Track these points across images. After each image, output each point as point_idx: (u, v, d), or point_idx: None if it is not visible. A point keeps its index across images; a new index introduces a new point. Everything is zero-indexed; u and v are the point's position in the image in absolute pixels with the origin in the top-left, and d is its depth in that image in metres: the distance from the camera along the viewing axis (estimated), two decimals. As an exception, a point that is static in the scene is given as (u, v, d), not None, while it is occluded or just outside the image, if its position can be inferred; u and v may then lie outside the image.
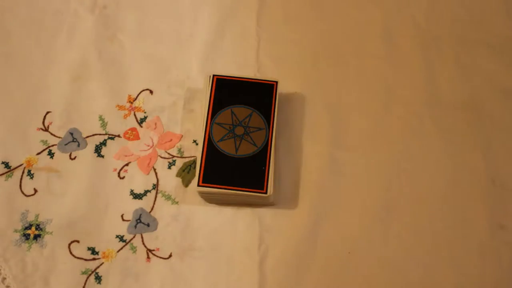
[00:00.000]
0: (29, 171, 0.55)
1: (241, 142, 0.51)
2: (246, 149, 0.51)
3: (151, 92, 0.58)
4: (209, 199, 0.53)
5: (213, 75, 0.54)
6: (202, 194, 0.52)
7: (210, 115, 0.52)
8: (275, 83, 0.54)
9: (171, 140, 0.56)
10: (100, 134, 0.57)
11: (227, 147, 0.51)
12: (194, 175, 0.55)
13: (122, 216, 0.53)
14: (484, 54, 0.60)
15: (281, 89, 0.55)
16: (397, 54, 0.60)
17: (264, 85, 0.53)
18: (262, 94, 0.53)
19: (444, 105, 0.58)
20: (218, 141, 0.51)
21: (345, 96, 0.58)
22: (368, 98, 0.58)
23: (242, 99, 0.53)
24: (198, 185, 0.50)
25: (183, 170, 0.55)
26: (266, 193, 0.50)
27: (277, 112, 0.53)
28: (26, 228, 0.53)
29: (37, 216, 0.53)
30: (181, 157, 0.56)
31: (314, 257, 0.52)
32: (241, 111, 0.52)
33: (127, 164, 0.55)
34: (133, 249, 0.52)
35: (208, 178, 0.50)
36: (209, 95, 0.53)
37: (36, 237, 0.53)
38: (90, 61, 0.59)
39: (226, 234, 0.53)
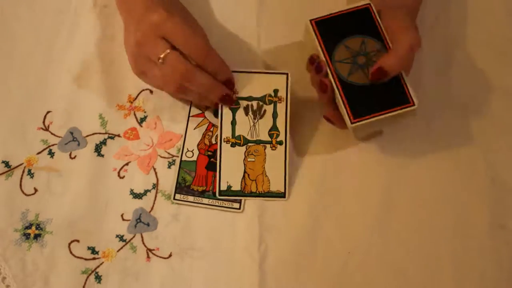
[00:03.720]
0: (29, 170, 0.55)
1: (368, 69, 0.50)
2: None
3: (151, 91, 0.58)
4: (360, 131, 0.52)
5: (310, 20, 0.52)
6: (355, 129, 0.50)
7: (327, 57, 0.51)
8: (368, 5, 0.52)
9: (171, 139, 0.56)
10: (100, 133, 0.57)
11: (357, 78, 0.50)
12: (194, 175, 0.55)
13: (122, 215, 0.54)
14: (484, 55, 0.59)
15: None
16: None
17: (359, 11, 0.52)
18: (360, 19, 0.52)
19: (444, 105, 0.58)
20: (347, 76, 0.50)
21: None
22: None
23: (347, 31, 0.52)
24: (352, 123, 0.49)
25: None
26: (414, 105, 0.49)
27: (383, 26, 0.51)
28: (26, 228, 0.53)
29: (37, 215, 0.53)
30: (181, 156, 0.56)
31: (314, 257, 0.52)
32: (353, 42, 0.51)
33: (127, 164, 0.55)
34: (133, 248, 0.52)
35: (356, 112, 0.49)
36: (316, 40, 0.51)
37: (36, 236, 0.53)
38: (90, 61, 0.59)
39: (226, 233, 0.53)
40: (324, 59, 0.51)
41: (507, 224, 0.53)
